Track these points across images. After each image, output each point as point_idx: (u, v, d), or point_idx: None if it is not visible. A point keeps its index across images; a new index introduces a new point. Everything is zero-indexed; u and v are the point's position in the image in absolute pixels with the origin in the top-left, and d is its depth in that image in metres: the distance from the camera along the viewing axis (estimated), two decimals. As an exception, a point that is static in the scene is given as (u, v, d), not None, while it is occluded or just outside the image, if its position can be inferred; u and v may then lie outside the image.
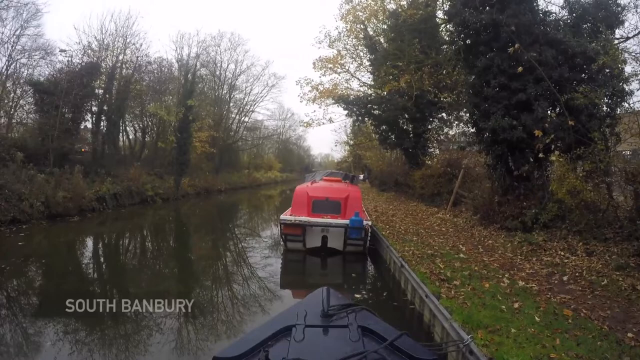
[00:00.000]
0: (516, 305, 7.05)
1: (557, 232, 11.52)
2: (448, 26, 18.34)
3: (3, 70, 25.07)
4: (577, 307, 7.01)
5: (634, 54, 12.26)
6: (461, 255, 11.01)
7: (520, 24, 12.37)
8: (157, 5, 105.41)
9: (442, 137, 30.09)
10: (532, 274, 9.20)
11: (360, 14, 26.79)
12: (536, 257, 10.46)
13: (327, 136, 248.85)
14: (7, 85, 25.39)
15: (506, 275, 8.98)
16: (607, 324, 6.31)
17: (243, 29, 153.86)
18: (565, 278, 8.75)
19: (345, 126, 54.00)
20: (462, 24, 13.71)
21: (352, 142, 52.91)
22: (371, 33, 27.80)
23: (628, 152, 12.84)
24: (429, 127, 27.97)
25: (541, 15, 13.35)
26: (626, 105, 12.15)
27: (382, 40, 27.21)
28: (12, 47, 25.16)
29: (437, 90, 24.09)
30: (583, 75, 12.35)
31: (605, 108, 12.27)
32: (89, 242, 17.78)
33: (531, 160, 12.82)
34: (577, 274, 8.89)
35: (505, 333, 5.85)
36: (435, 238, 13.56)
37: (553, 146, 12.64)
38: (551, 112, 12.61)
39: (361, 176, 52.39)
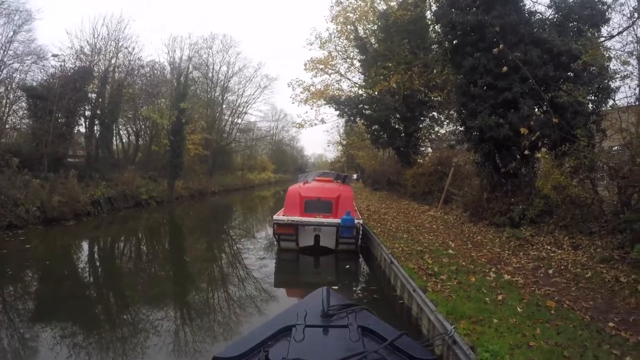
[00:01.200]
0: (500, 297, 7.27)
1: (544, 227, 11.78)
2: (436, 27, 18.56)
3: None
4: (561, 299, 7.22)
5: (620, 51, 12.49)
6: (450, 251, 11.23)
7: (505, 25, 12.59)
8: (149, 9, 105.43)
9: (433, 136, 30.35)
10: (519, 268, 9.43)
11: (351, 15, 27.02)
12: (523, 251, 10.71)
13: (320, 136, 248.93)
14: (0, 90, 25.45)
15: (493, 270, 9.20)
16: (590, 314, 6.50)
17: (235, 32, 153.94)
18: (550, 271, 8.96)
19: (337, 126, 54.17)
20: (449, 25, 13.90)
21: (344, 142, 53.08)
22: (362, 34, 28.03)
23: (617, 147, 13.06)
24: (420, 126, 28.22)
25: (527, 15, 13.56)
26: (611, 102, 12.43)
27: (372, 41, 27.44)
28: (3, 52, 25.23)
29: (427, 90, 24.33)
30: (569, 73, 12.55)
31: (590, 105, 12.54)
32: (90, 246, 17.92)
33: (518, 157, 13.05)
34: (562, 267, 9.11)
35: (487, 323, 6.07)
36: (425, 235, 13.78)
37: (540, 143, 12.90)
38: (538, 110, 12.86)
39: (354, 176, 52.60)
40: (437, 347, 6.34)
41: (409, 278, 8.92)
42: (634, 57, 11.32)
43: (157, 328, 8.35)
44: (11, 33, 25.41)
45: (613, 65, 12.14)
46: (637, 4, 11.94)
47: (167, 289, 11.83)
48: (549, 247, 10.53)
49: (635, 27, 11.83)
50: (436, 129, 29.74)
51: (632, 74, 11.31)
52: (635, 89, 11.37)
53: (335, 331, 3.35)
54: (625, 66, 11.44)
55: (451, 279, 8.50)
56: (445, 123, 28.53)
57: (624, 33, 12.92)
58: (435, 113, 27.96)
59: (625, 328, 5.95)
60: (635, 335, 5.67)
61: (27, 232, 17.34)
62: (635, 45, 11.73)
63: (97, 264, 15.21)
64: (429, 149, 30.42)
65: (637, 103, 11.19)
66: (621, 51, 12.34)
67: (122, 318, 9.29)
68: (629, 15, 12.11)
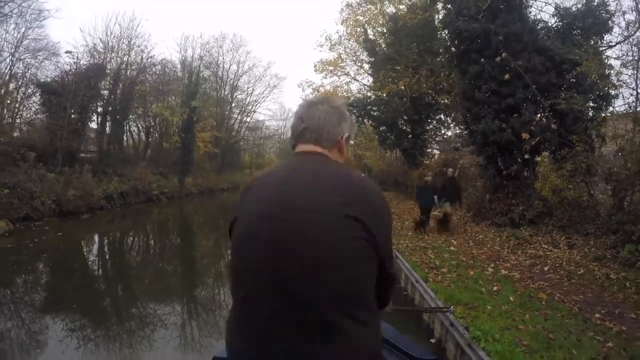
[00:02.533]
0: (495, 288, 7.82)
1: (542, 227, 12.26)
2: (443, 33, 19.02)
3: (7, 70, 25.69)
4: (552, 292, 7.72)
5: (621, 59, 12.83)
6: (452, 248, 11.75)
7: (509, 33, 13.02)
8: (161, 8, 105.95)
9: (439, 138, 30.66)
10: (516, 264, 9.93)
11: (361, 17, 27.44)
12: (521, 250, 11.19)
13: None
14: (11, 86, 26.05)
15: (491, 265, 9.73)
16: (578, 306, 6.98)
17: (245, 31, 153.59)
18: (546, 268, 9.46)
19: (345, 127, 54.13)
20: (455, 32, 14.39)
21: (352, 142, 53.20)
22: (371, 37, 28.38)
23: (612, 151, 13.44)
24: (427, 128, 28.53)
25: (531, 24, 14.00)
26: (611, 108, 12.89)
27: (381, 43, 27.83)
28: (16, 47, 25.81)
29: (434, 93, 24.72)
30: (572, 80, 12.97)
31: (591, 112, 12.99)
32: (112, 237, 18.82)
33: (519, 160, 13.49)
34: (557, 265, 9.59)
35: (481, 309, 6.64)
36: (429, 233, 14.24)
37: (542, 147, 13.36)
38: (541, 115, 13.29)
39: (362, 175, 52.79)
40: (437, 330, 6.92)
41: (412, 270, 9.49)
42: (630, 67, 11.72)
43: (164, 322, 8.62)
44: (24, 29, 26.00)
45: (614, 73, 12.56)
46: (635, 15, 12.33)
47: (181, 283, 12.18)
48: (546, 246, 11.01)
49: (632, 38, 12.23)
50: (443, 131, 30.09)
51: (624, 83, 11.73)
52: (628, 98, 11.81)
53: None
54: (618, 76, 11.87)
55: (451, 272, 9.07)
56: (452, 125, 28.88)
57: (625, 42, 13.28)
58: (442, 115, 28.28)
59: (610, 319, 6.39)
60: (618, 325, 6.11)
61: (49, 223, 18.16)
62: (633, 55, 12.11)
63: (121, 252, 16.34)
64: (436, 151, 30.76)
65: (631, 110, 11.62)
66: (622, 59, 12.70)
67: (133, 309, 9.68)
68: (624, 27, 12.51)
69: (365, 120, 30.42)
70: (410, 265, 9.82)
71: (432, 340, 6.83)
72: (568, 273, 8.97)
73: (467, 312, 6.48)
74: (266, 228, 1.54)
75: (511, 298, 7.25)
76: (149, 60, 34.77)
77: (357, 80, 31.72)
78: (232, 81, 57.65)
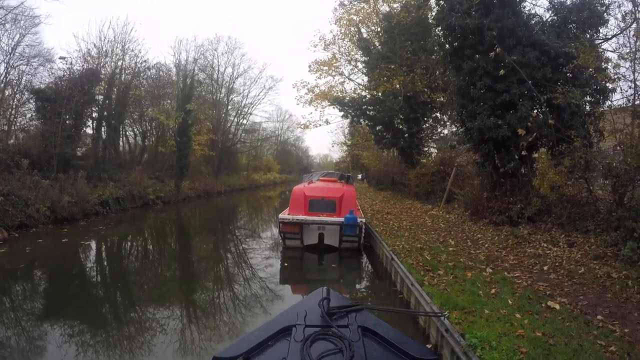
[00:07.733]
0: (493, 291, 7.60)
1: (541, 225, 12.07)
2: (437, 30, 18.84)
3: (2, 77, 25.61)
4: (553, 293, 7.51)
5: (616, 52, 12.67)
6: (449, 248, 11.53)
7: (503, 28, 12.84)
8: (155, 12, 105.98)
9: (435, 137, 30.60)
10: (515, 264, 9.72)
11: (354, 17, 27.30)
12: (520, 249, 10.98)
13: (325, 137, 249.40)
14: (6, 92, 25.84)
15: (490, 266, 9.51)
16: (580, 307, 6.76)
17: (240, 33, 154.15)
18: (545, 268, 9.24)
19: (342, 127, 54.27)
20: (449, 28, 14.20)
21: (349, 143, 53.30)
22: (365, 36, 28.30)
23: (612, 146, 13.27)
24: (423, 126, 28.47)
25: (525, 18, 13.81)
26: (609, 102, 12.69)
27: (375, 42, 27.72)
28: (10, 54, 25.68)
29: (429, 91, 24.60)
30: (568, 74, 12.77)
31: (587, 106, 12.80)
32: (105, 242, 18.56)
33: (516, 157, 13.27)
34: (557, 264, 9.36)
35: (478, 314, 6.41)
36: (426, 234, 14.08)
37: (539, 143, 13.17)
38: (538, 111, 13.10)
39: (360, 176, 52.83)
40: (432, 336, 6.71)
41: (407, 273, 9.27)
42: (628, 59, 11.52)
43: (163, 326, 8.58)
44: (18, 36, 25.89)
45: (611, 66, 12.37)
46: (631, 6, 12.13)
47: (179, 287, 12.11)
48: (545, 245, 10.78)
49: (629, 30, 12.03)
50: (439, 129, 30.03)
51: (622, 76, 11.53)
52: (626, 91, 11.61)
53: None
54: (616, 69, 11.68)
55: (448, 274, 8.84)
56: (448, 123, 28.80)
57: (621, 35, 13.12)
58: (438, 114, 28.24)
59: (613, 321, 6.19)
60: (622, 328, 5.90)
61: (44, 230, 17.98)
62: (630, 47, 11.92)
63: (117, 258, 16.18)
64: (432, 150, 30.70)
65: (630, 104, 11.43)
66: (618, 53, 12.53)
67: (132, 314, 9.59)
68: (621, 18, 12.32)
69: (361, 120, 30.40)
70: (406, 267, 9.59)
71: (429, 346, 6.61)
72: (568, 272, 8.76)
73: (464, 317, 6.26)
74: None
75: (510, 301, 7.02)
76: (143, 64, 34.59)
77: (352, 80, 31.60)
78: (227, 84, 57.88)
